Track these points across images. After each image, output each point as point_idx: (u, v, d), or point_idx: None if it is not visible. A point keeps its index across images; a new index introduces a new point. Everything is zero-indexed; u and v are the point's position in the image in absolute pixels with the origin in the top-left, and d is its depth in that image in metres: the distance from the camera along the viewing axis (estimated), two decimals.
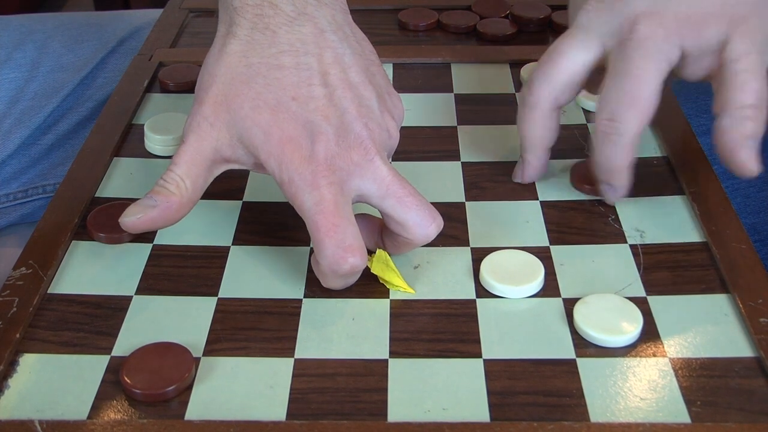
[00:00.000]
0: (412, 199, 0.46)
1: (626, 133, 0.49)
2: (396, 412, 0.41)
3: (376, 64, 0.50)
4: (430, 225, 0.47)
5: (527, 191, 0.56)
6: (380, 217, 0.49)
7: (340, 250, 0.44)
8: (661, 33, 0.48)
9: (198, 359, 0.44)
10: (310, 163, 0.45)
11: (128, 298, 0.48)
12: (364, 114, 0.47)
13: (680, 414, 0.41)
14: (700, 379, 0.42)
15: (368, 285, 0.48)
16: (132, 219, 0.46)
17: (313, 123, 0.45)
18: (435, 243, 0.51)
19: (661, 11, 0.48)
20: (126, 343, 0.45)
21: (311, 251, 0.48)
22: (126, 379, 0.42)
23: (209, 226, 0.53)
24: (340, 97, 0.46)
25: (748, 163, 0.48)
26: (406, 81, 0.69)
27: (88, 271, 0.50)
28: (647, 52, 0.48)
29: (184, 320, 0.46)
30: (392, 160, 0.60)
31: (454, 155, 0.60)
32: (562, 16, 0.76)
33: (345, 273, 0.45)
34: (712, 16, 0.47)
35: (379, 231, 0.50)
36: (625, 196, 0.53)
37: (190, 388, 0.42)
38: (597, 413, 0.41)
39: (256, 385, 0.43)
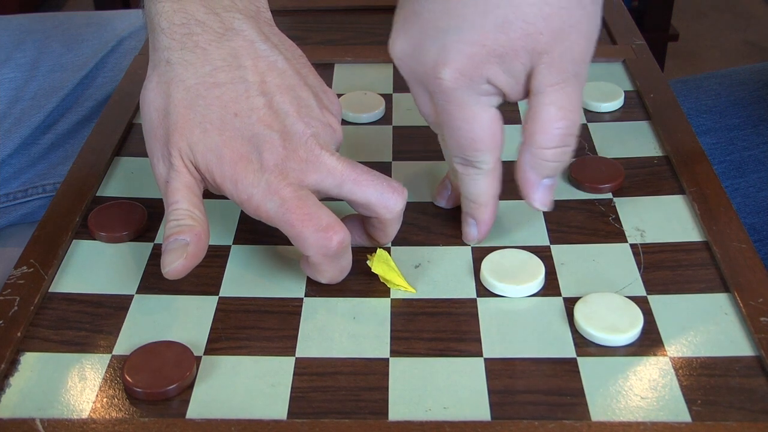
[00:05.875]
0: (366, 177, 0.47)
1: (483, 166, 0.49)
2: (397, 411, 0.41)
3: (307, 66, 0.50)
4: (392, 195, 0.47)
5: None
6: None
7: (321, 231, 0.45)
8: (462, 80, 0.46)
9: (199, 358, 0.44)
10: (264, 173, 0.45)
11: (129, 297, 0.48)
12: (305, 113, 0.47)
13: (681, 413, 0.41)
14: (700, 378, 0.43)
15: (369, 284, 0.49)
16: (175, 265, 0.45)
17: (258, 135, 0.46)
18: (436, 242, 0.51)
19: (454, 57, 0.46)
20: (127, 342, 0.45)
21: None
22: (127, 377, 0.42)
23: (210, 226, 0.53)
24: (279, 101, 0.47)
25: (536, 203, 0.48)
26: None
27: (89, 270, 0.50)
28: (458, 101, 0.47)
29: (185, 319, 0.47)
30: (393, 160, 0.60)
31: None
32: None
33: (335, 251, 0.45)
34: (512, 51, 0.45)
35: (363, 226, 0.50)
36: (484, 238, 0.51)
37: (191, 386, 0.42)
38: (598, 412, 0.41)
39: (257, 383, 0.43)
